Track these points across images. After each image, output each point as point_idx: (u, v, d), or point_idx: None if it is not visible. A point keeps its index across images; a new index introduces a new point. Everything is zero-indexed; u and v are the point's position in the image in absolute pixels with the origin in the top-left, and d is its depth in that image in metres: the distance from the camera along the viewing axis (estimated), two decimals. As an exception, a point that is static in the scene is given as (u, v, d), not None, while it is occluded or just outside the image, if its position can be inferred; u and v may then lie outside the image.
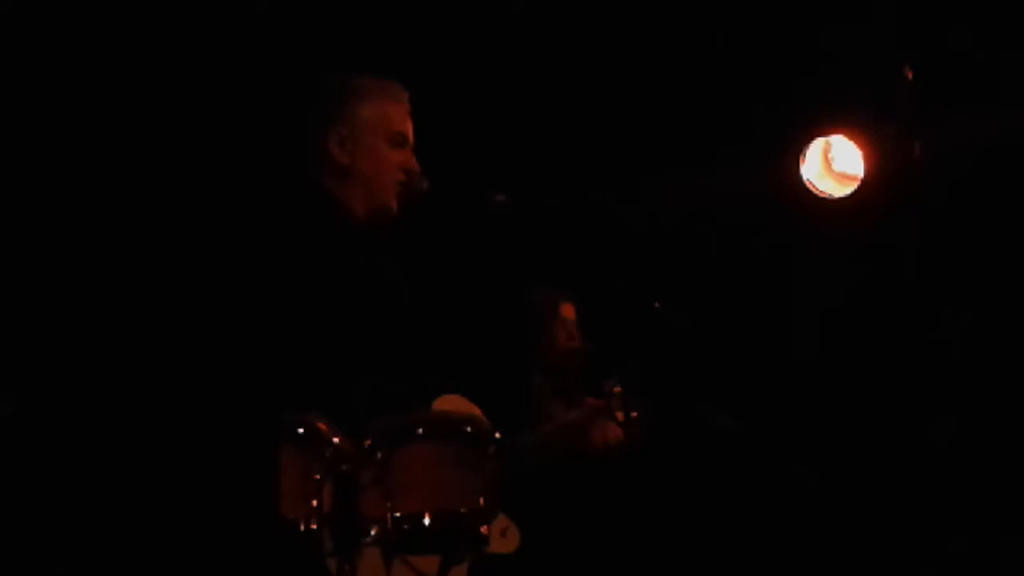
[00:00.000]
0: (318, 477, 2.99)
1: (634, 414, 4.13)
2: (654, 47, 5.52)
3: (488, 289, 5.06)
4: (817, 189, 5.53)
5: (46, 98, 4.12)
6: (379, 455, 3.05)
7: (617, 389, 4.18)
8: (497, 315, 4.84)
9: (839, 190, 5.52)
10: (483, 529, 3.10)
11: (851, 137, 5.46)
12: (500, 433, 3.15)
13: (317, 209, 3.33)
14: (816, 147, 5.53)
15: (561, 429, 4.14)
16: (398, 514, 3.03)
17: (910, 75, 5.28)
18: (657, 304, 4.07)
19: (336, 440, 3.02)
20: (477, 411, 3.27)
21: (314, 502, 2.97)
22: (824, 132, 5.52)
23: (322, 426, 3.01)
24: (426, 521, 3.05)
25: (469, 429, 3.15)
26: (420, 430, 3.10)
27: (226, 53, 4.48)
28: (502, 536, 3.37)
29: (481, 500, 3.09)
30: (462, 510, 3.08)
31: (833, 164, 5.53)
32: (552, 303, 4.76)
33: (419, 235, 3.72)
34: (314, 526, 2.97)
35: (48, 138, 4.18)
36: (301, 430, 3.01)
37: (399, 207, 3.46)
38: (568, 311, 4.76)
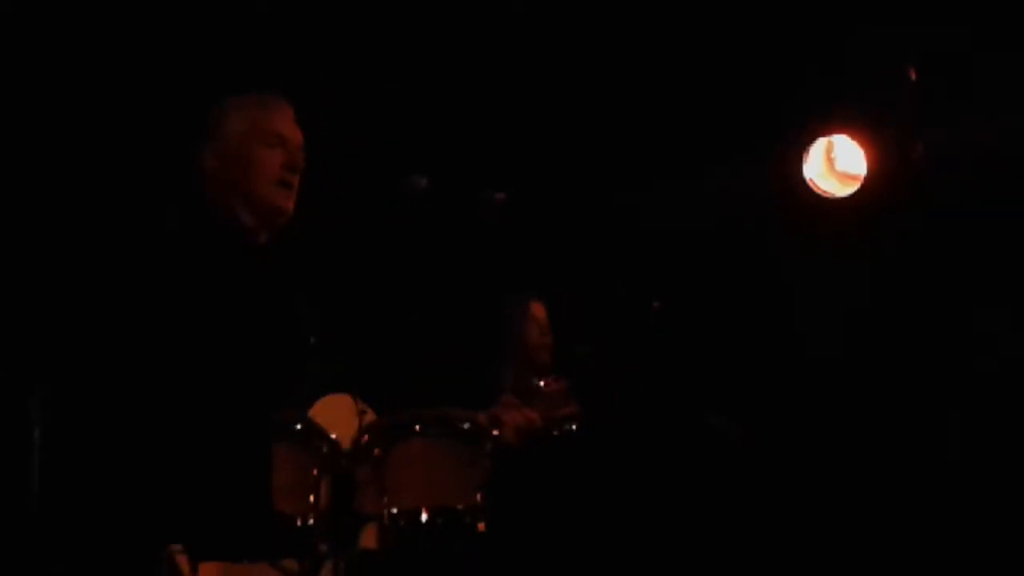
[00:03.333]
0: (315, 473, 3.01)
1: (570, 410, 4.16)
2: (656, 47, 5.52)
3: (464, 289, 5.09)
4: (820, 189, 5.53)
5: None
6: (376, 452, 3.07)
7: (551, 385, 4.22)
8: (471, 315, 4.88)
9: (841, 190, 5.52)
10: (479, 526, 3.12)
11: (854, 137, 5.46)
12: (496, 430, 3.19)
13: (208, 227, 3.34)
14: (818, 147, 5.53)
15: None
16: (395, 510, 3.06)
17: (913, 75, 5.29)
18: (656, 304, 4.08)
19: (333, 436, 3.04)
20: (366, 411, 3.23)
21: (311, 498, 2.99)
22: (826, 132, 5.52)
23: (319, 423, 3.03)
24: (423, 517, 3.07)
25: (466, 426, 3.18)
26: (417, 427, 3.13)
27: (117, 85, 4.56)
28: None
29: (478, 496, 3.12)
30: (459, 506, 3.10)
31: (835, 164, 5.53)
32: (523, 302, 4.83)
33: (404, 234, 3.73)
34: (311, 522, 2.99)
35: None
36: (298, 426, 3.04)
37: (289, 204, 3.45)
38: (539, 310, 4.83)
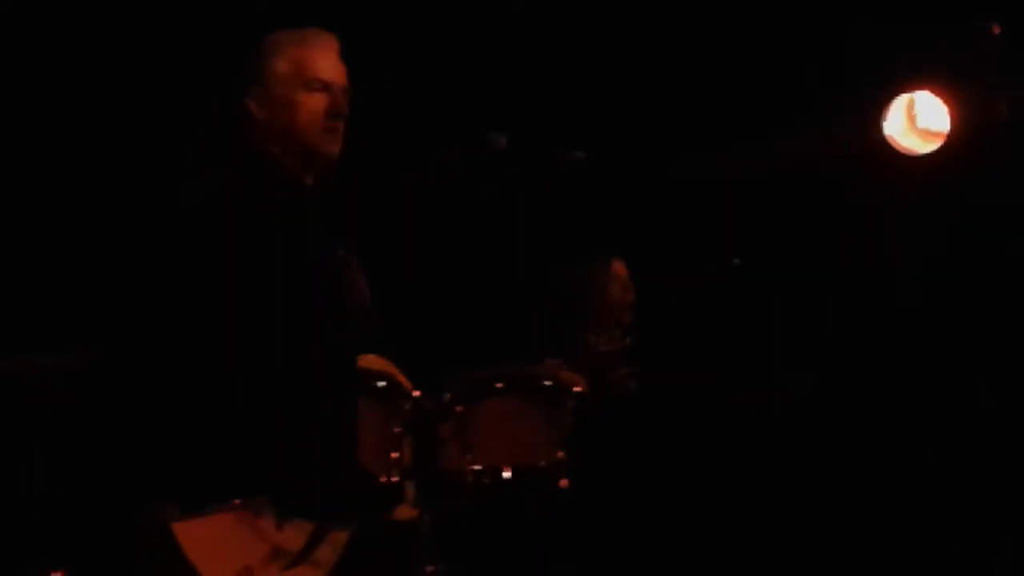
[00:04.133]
0: (398, 431, 3.02)
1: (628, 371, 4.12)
2: (736, 6, 5.48)
3: (544, 248, 5.08)
4: (900, 146, 5.47)
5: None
6: (459, 409, 3.07)
7: (621, 343, 4.19)
8: (551, 274, 4.87)
9: (923, 147, 5.46)
10: (563, 482, 3.12)
11: (936, 93, 5.39)
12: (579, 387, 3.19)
13: (257, 173, 3.32)
14: (899, 103, 5.46)
15: None
16: (478, 467, 3.06)
17: (997, 30, 5.21)
18: (736, 261, 4.06)
19: (416, 394, 3.05)
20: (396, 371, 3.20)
21: (394, 455, 3.00)
22: (908, 88, 5.45)
23: (403, 380, 3.04)
24: (506, 474, 3.08)
25: (548, 383, 3.17)
26: (499, 384, 3.13)
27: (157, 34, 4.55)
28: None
29: (560, 453, 3.12)
30: (541, 463, 3.10)
31: (917, 120, 5.47)
32: (606, 260, 4.81)
33: (484, 194, 3.72)
34: (395, 479, 3.00)
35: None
36: (381, 383, 3.04)
37: (335, 150, 3.43)
38: (621, 268, 4.82)
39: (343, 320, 3.16)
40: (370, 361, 3.11)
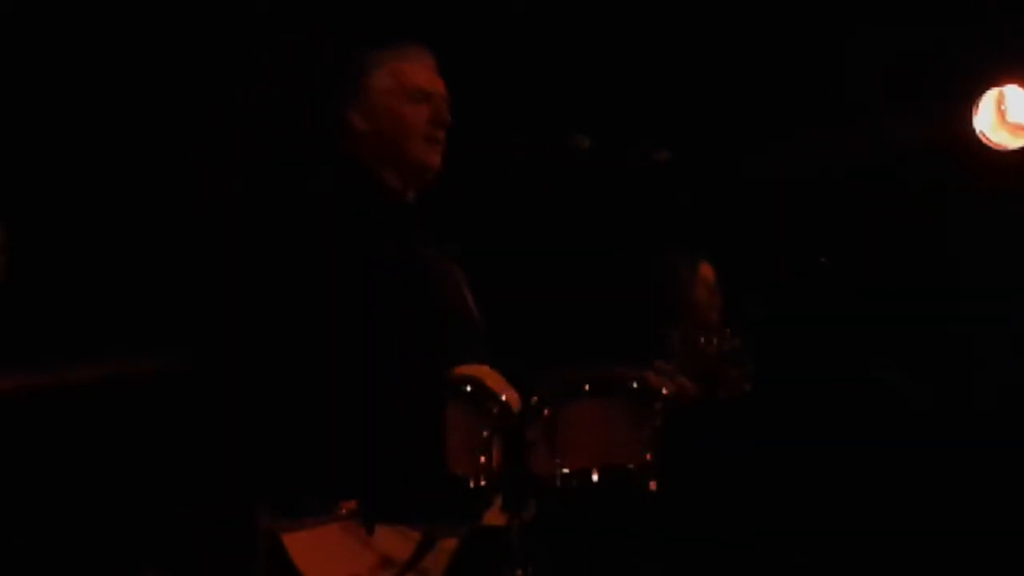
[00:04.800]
0: (486, 434, 3.02)
1: (741, 371, 4.09)
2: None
3: (628, 250, 5.07)
4: (991, 141, 5.41)
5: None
6: (546, 412, 3.06)
7: (733, 344, 4.15)
8: (637, 275, 4.86)
9: (1014, 142, 5.40)
10: (651, 484, 3.10)
11: (1027, 87, 5.34)
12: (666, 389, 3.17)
13: (356, 187, 3.33)
14: (989, 98, 5.40)
15: None
16: (566, 470, 3.05)
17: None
18: (824, 259, 4.02)
19: (504, 397, 3.04)
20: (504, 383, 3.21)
21: (482, 459, 3.00)
22: (998, 82, 5.39)
23: (489, 383, 3.04)
24: (594, 477, 3.06)
25: (635, 385, 3.16)
26: (587, 386, 3.11)
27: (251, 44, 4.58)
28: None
29: (648, 455, 3.10)
30: (630, 466, 3.08)
31: (1007, 115, 5.40)
32: (692, 261, 4.78)
33: (563, 193, 3.72)
34: (483, 482, 3.00)
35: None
36: (468, 387, 3.04)
37: (439, 159, 3.43)
38: (707, 270, 4.79)
39: (437, 330, 3.18)
40: (479, 371, 3.17)
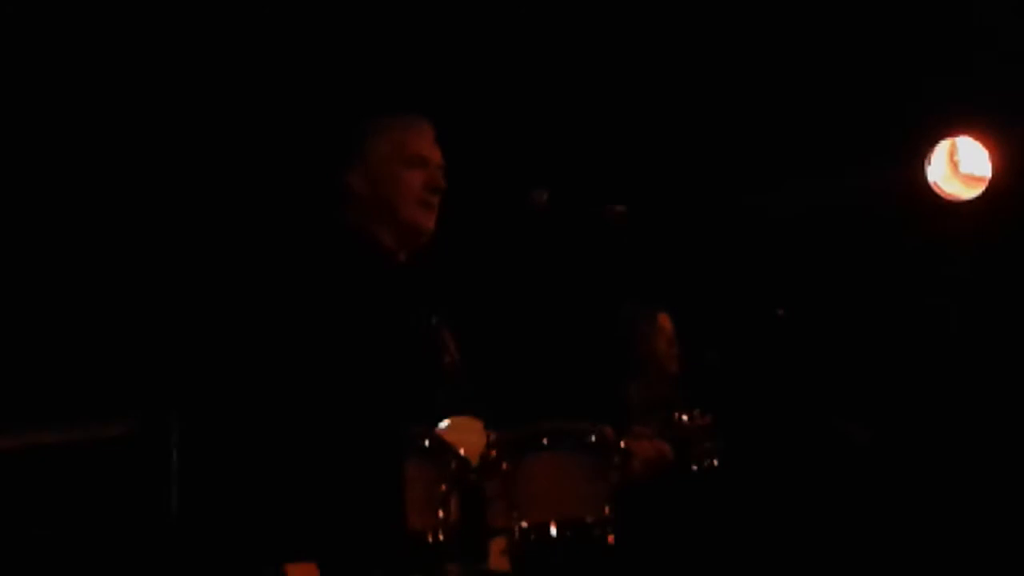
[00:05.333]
0: (444, 488, 3.03)
1: (712, 445, 4.13)
2: (777, 51, 5.50)
3: (585, 303, 5.10)
4: (944, 192, 5.47)
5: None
6: (504, 466, 3.08)
7: (686, 418, 4.20)
8: (594, 328, 4.89)
9: (966, 192, 5.45)
10: (610, 538, 3.11)
11: (977, 138, 5.39)
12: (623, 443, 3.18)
13: (345, 245, 3.40)
14: (942, 149, 5.47)
15: None
16: (525, 524, 3.06)
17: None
18: (780, 311, 4.06)
19: (461, 452, 3.06)
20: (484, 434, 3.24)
21: (441, 513, 3.01)
22: (950, 134, 5.46)
23: (448, 439, 3.05)
24: (552, 531, 3.07)
25: (593, 439, 3.17)
26: (545, 440, 3.13)
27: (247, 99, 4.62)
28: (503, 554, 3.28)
29: (606, 509, 3.11)
30: (588, 519, 3.10)
31: (960, 166, 5.47)
32: (650, 313, 4.81)
33: (519, 247, 3.77)
34: (442, 537, 3.01)
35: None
36: (427, 443, 3.06)
37: (432, 224, 3.51)
38: (665, 321, 4.82)
39: (401, 389, 3.20)
40: (462, 423, 3.20)
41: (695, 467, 4.23)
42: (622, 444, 3.71)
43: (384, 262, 3.45)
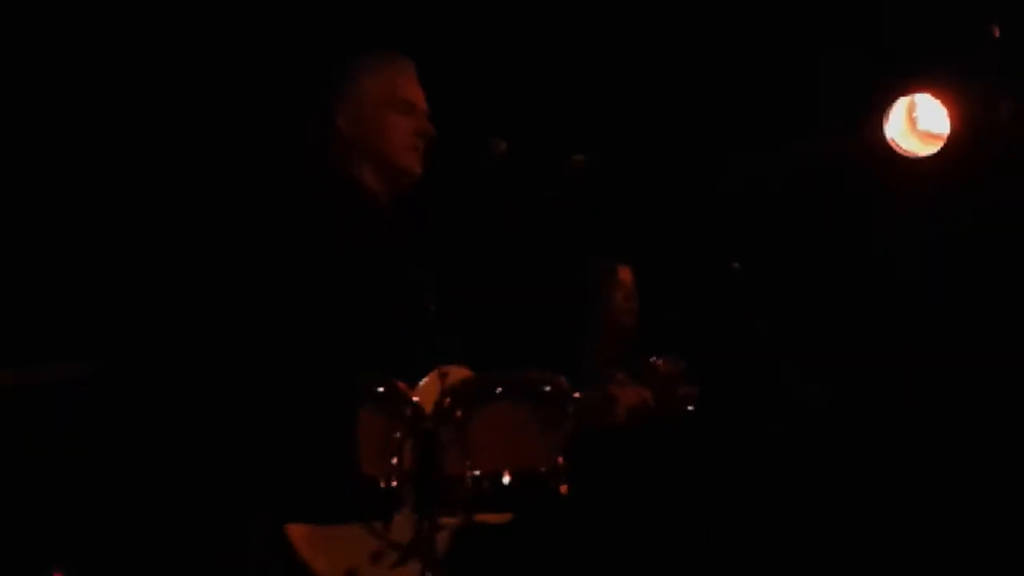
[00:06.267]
0: (398, 435, 3.03)
1: (688, 391, 4.15)
2: (736, 10, 5.49)
3: (546, 251, 5.09)
4: (901, 148, 5.49)
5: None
6: (459, 414, 3.08)
7: (661, 364, 4.20)
8: (554, 279, 4.89)
9: (924, 149, 5.47)
10: (562, 488, 3.12)
11: (936, 95, 5.41)
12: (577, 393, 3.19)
13: (332, 184, 3.38)
14: (900, 106, 5.48)
15: (591, 400, 4.11)
16: (478, 473, 3.07)
17: (996, 32, 5.22)
18: (735, 265, 4.06)
19: (416, 399, 3.06)
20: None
21: (395, 460, 3.01)
22: (908, 91, 5.47)
23: (401, 385, 3.05)
24: (505, 480, 3.08)
25: (548, 388, 3.18)
26: (499, 389, 3.13)
27: (236, 47, 4.57)
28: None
29: (559, 459, 3.12)
30: (541, 469, 3.11)
31: (918, 123, 5.48)
32: (609, 266, 4.81)
33: (479, 201, 3.77)
34: (395, 484, 3.01)
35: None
36: (381, 389, 3.06)
37: (419, 171, 3.50)
38: (625, 274, 4.81)
39: (362, 333, 3.19)
40: (456, 372, 3.21)
41: (669, 413, 4.22)
42: (611, 391, 3.75)
43: (366, 203, 3.42)
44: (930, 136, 5.45)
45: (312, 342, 3.10)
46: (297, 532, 3.03)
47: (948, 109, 5.37)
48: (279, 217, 3.26)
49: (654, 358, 4.19)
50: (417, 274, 3.43)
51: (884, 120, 5.47)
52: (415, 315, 3.33)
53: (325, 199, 3.32)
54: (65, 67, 4.54)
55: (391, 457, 3.02)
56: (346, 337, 3.14)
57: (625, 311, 4.79)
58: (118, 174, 4.55)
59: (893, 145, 5.47)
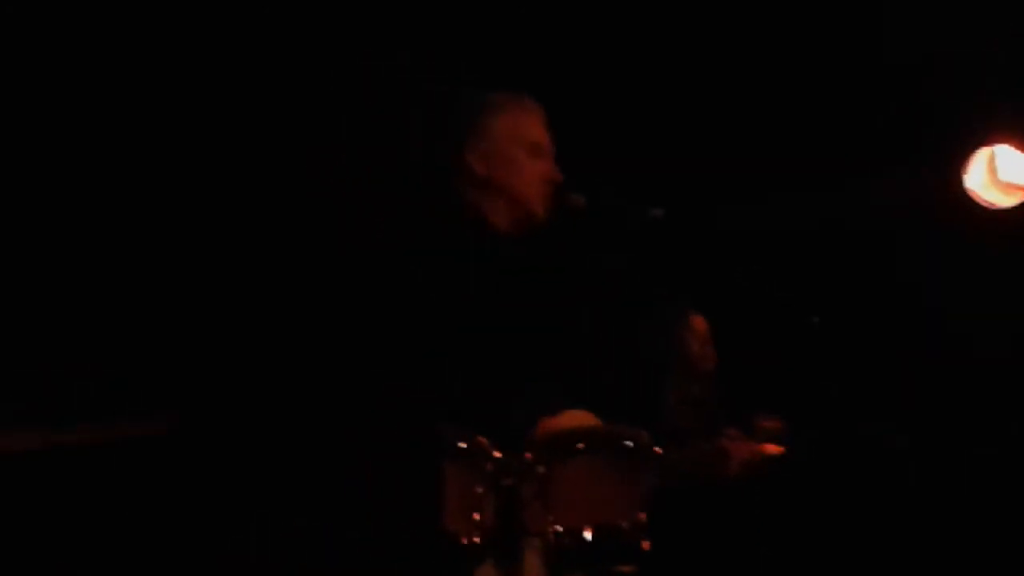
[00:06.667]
0: (480, 491, 3.02)
1: (780, 449, 4.12)
2: (817, 56, 5.47)
3: (623, 302, 5.07)
4: (983, 199, 5.44)
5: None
6: (540, 469, 3.07)
7: (769, 423, 4.18)
8: (631, 327, 4.87)
9: (1006, 200, 5.42)
10: (644, 544, 3.11)
11: (1018, 146, 5.36)
12: (658, 447, 3.17)
13: (458, 222, 3.36)
14: (981, 157, 5.44)
15: (703, 454, 4.10)
16: (559, 528, 3.06)
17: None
18: (816, 319, 4.04)
19: (498, 454, 3.05)
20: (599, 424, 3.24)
21: (476, 516, 3.01)
22: (989, 141, 5.43)
23: (483, 440, 3.05)
24: (587, 536, 3.07)
25: (629, 443, 3.17)
26: (581, 444, 3.12)
27: (362, 74, 4.56)
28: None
29: (641, 515, 3.11)
30: (623, 524, 3.09)
31: (999, 174, 5.44)
32: (684, 315, 4.80)
33: (568, 246, 3.74)
34: (477, 540, 3.00)
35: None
36: (463, 444, 3.05)
37: (547, 215, 3.47)
38: (699, 323, 4.80)
39: (460, 382, 3.18)
40: (577, 418, 3.19)
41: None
42: (724, 445, 3.71)
43: (492, 244, 3.39)
44: (1012, 187, 5.41)
45: (396, 394, 3.10)
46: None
47: (1028, 159, 5.33)
48: (399, 256, 3.24)
49: (759, 416, 4.17)
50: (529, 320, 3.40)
51: (964, 171, 5.43)
52: (520, 362, 3.30)
53: (452, 236, 3.31)
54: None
55: (472, 513, 3.01)
56: (428, 390, 3.14)
57: (701, 357, 4.79)
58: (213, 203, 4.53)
59: (974, 196, 5.43)
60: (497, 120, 3.46)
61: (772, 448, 4.13)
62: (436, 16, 4.74)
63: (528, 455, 3.11)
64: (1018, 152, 5.35)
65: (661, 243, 3.79)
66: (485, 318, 3.23)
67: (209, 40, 4.45)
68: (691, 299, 4.94)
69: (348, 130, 4.53)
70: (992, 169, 5.45)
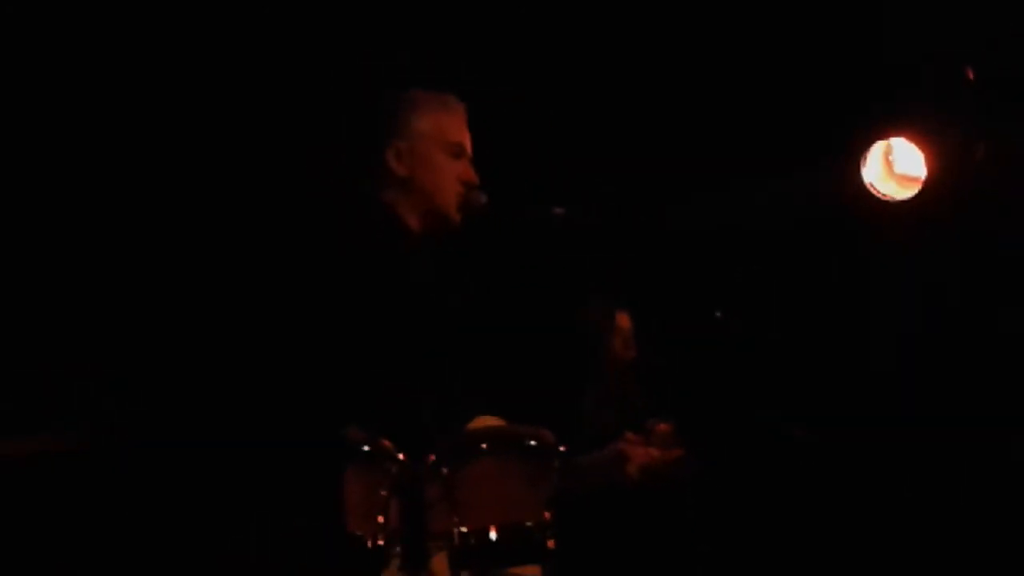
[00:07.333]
0: (384, 493, 3.01)
1: (678, 452, 4.14)
2: (714, 54, 5.52)
3: (542, 301, 5.08)
4: (879, 192, 5.51)
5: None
6: (444, 471, 3.07)
7: (663, 427, 4.20)
8: (552, 326, 4.88)
9: (901, 192, 5.50)
10: (549, 543, 3.11)
11: (912, 139, 5.43)
12: (563, 446, 3.18)
13: (374, 222, 3.35)
14: (877, 150, 5.51)
15: (601, 458, 4.09)
16: (464, 529, 3.05)
17: (972, 76, 5.25)
18: (718, 313, 4.06)
19: (401, 456, 3.04)
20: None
21: (380, 518, 3.00)
22: (885, 135, 5.50)
23: (387, 443, 3.04)
24: (492, 536, 3.07)
25: (533, 443, 3.16)
26: (484, 445, 3.12)
27: (286, 71, 4.54)
28: None
29: (546, 514, 3.11)
30: (528, 524, 3.09)
31: (895, 166, 5.51)
32: (607, 312, 4.81)
33: (474, 248, 3.74)
34: (381, 542, 2.99)
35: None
36: (366, 447, 3.04)
37: (460, 218, 3.47)
38: (624, 320, 4.81)
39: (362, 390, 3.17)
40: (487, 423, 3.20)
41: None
42: (622, 449, 3.71)
43: (407, 245, 3.37)
44: (908, 179, 5.48)
45: (313, 395, 3.08)
46: None
47: (924, 152, 5.40)
48: (316, 254, 3.21)
49: (653, 420, 4.19)
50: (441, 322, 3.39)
51: (862, 164, 5.49)
52: (433, 363, 3.30)
53: (368, 236, 3.28)
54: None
55: (377, 515, 3.01)
56: (358, 389, 3.12)
57: (624, 355, 4.79)
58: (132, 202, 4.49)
59: (872, 189, 5.50)
60: (417, 120, 3.44)
61: (668, 451, 4.15)
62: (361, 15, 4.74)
63: (432, 457, 3.10)
64: (913, 145, 5.42)
65: (566, 242, 3.80)
66: (395, 321, 3.22)
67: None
68: (616, 297, 4.95)
69: (274, 126, 4.52)
70: (888, 162, 5.52)
